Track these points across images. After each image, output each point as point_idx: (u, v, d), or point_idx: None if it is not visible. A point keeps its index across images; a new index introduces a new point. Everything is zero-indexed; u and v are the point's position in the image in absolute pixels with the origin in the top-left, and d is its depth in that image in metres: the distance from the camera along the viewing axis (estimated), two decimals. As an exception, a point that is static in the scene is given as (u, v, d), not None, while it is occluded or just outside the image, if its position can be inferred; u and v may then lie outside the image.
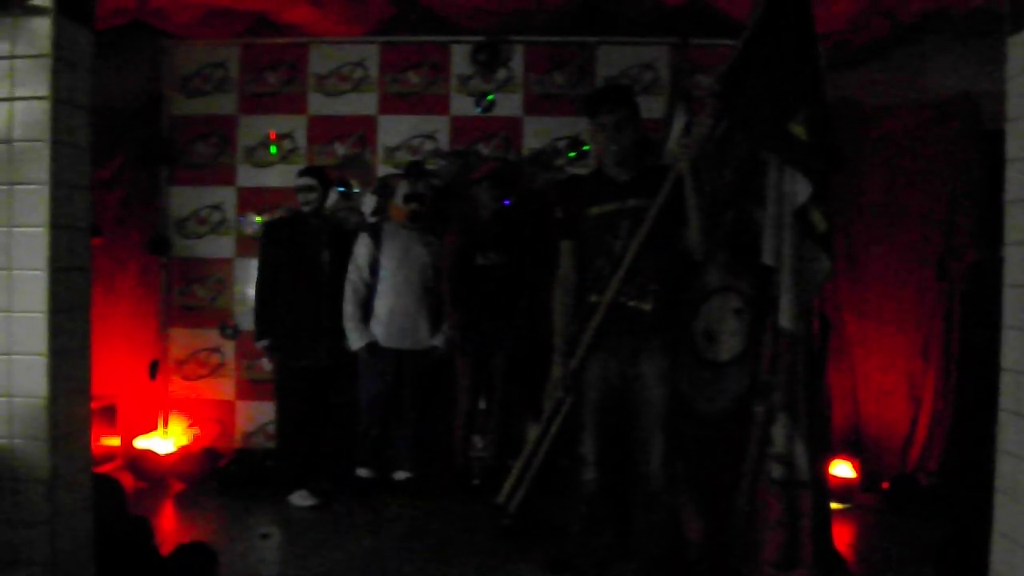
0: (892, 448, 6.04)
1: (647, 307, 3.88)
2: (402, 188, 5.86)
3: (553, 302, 4.11)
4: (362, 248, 5.81)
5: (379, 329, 5.78)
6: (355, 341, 5.75)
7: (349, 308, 5.76)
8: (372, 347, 5.74)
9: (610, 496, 4.02)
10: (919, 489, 5.68)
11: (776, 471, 3.87)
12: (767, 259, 3.93)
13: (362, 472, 5.84)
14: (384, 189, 6.18)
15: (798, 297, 3.90)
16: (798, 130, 3.85)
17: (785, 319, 3.89)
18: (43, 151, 3.02)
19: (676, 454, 3.93)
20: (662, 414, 3.87)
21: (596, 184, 4.05)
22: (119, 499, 3.99)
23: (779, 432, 3.88)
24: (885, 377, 6.08)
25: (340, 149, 6.52)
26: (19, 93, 3.03)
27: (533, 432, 4.34)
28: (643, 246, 3.84)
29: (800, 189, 3.87)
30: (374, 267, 5.79)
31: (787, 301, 3.89)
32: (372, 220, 6.10)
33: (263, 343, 5.71)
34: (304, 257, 5.73)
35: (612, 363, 3.94)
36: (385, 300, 5.77)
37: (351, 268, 5.81)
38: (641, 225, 3.85)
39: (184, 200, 6.61)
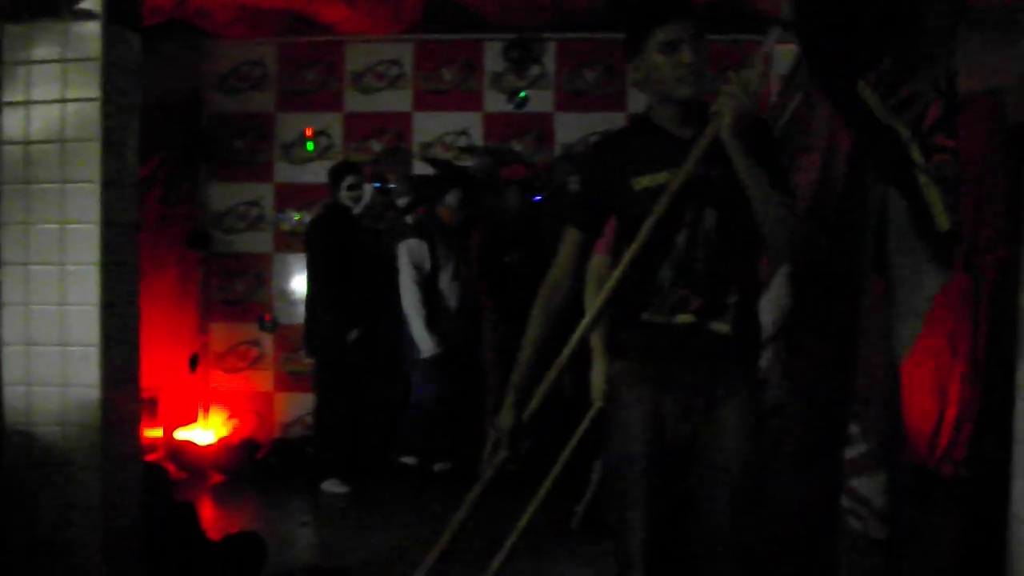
0: (919, 440, 6.07)
1: (725, 328, 2.55)
2: (454, 193, 5.80)
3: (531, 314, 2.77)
4: (419, 251, 5.70)
5: (449, 325, 5.71)
6: (430, 348, 5.62)
7: (425, 312, 5.63)
8: (440, 354, 5.66)
9: None
10: (941, 480, 5.72)
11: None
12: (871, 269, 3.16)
13: (407, 460, 5.84)
14: (423, 189, 6.17)
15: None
16: (868, 95, 2.91)
17: (897, 341, 3.08)
18: (94, 151, 3.15)
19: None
20: (744, 480, 2.56)
21: (644, 143, 2.62)
22: (166, 486, 4.12)
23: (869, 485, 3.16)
24: (914, 370, 6.10)
25: (376, 145, 6.64)
26: (71, 95, 3.16)
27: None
28: (719, 238, 2.54)
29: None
30: (432, 269, 5.71)
31: (898, 321, 3.08)
32: (408, 219, 6.14)
33: (354, 334, 5.64)
34: (361, 250, 5.84)
35: (670, 405, 2.58)
36: (453, 297, 5.73)
37: (411, 273, 5.66)
38: (717, 205, 2.53)
39: (223, 196, 6.76)
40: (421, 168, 6.52)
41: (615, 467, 2.66)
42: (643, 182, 2.56)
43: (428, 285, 5.68)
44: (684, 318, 2.54)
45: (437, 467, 5.91)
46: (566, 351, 2.71)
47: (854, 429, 3.19)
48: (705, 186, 2.51)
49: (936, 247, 2.97)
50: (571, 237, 2.70)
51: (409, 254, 5.69)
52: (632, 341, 2.64)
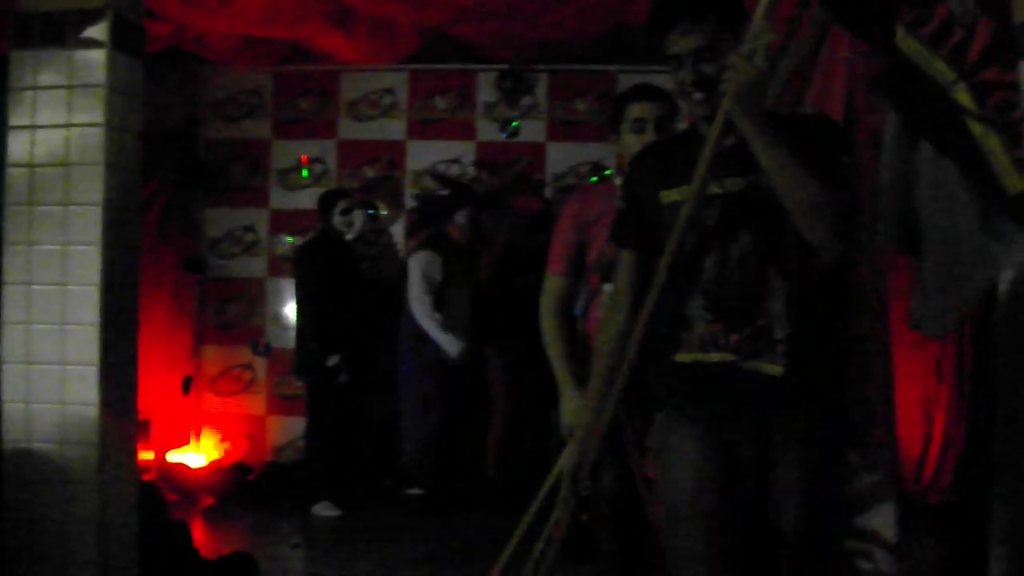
0: (906, 466, 6.10)
1: (776, 370, 2.14)
2: (464, 212, 5.87)
3: (596, 338, 2.52)
4: (432, 263, 5.71)
5: (461, 339, 5.70)
6: (455, 347, 5.61)
7: (438, 316, 5.63)
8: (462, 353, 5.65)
9: None
10: (928, 508, 5.76)
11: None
12: (891, 246, 2.77)
13: (414, 491, 5.85)
14: (430, 207, 6.22)
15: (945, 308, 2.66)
16: (910, 44, 2.41)
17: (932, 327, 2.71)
18: (97, 174, 3.22)
19: None
20: (809, 542, 2.17)
21: (682, 152, 2.27)
22: (160, 504, 4.17)
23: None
24: (899, 395, 6.14)
25: (370, 172, 6.73)
26: (76, 120, 3.24)
27: None
28: (758, 260, 2.16)
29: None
30: (440, 286, 5.71)
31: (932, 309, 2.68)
32: (414, 242, 6.17)
33: (334, 359, 5.67)
34: (355, 275, 5.92)
35: (717, 450, 2.21)
36: (460, 318, 5.76)
37: (422, 284, 5.66)
38: (751, 222, 2.17)
39: (218, 221, 6.83)
40: (416, 193, 6.59)
41: (673, 523, 2.24)
42: (670, 195, 2.24)
43: (435, 305, 5.67)
44: (720, 356, 2.17)
45: (411, 492, 5.88)
46: (618, 383, 2.31)
47: (853, 458, 2.92)
48: (736, 199, 2.16)
49: (1010, 212, 2.32)
50: (624, 259, 2.40)
51: (421, 266, 5.69)
52: (663, 388, 2.31)
